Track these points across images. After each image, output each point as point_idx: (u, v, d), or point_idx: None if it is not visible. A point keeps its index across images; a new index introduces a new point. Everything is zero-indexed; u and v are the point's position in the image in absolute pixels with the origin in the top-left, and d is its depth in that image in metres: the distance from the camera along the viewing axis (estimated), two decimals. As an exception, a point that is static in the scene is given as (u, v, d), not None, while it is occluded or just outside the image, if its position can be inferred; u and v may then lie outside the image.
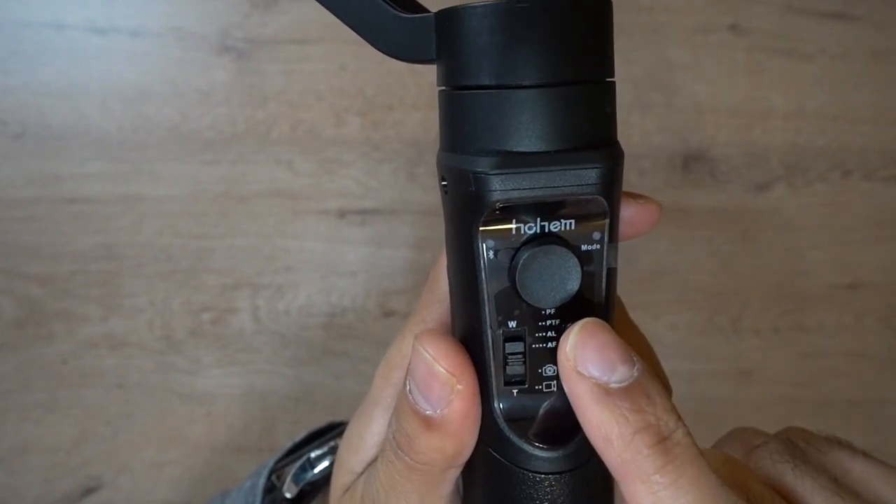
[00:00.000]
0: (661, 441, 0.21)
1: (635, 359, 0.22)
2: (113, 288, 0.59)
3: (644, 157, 0.61)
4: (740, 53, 0.60)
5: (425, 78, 0.58)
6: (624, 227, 0.25)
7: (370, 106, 0.59)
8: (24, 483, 0.59)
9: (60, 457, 0.60)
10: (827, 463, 0.25)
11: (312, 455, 0.35)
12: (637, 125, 0.61)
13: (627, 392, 0.22)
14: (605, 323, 0.23)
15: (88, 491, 0.60)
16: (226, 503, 0.38)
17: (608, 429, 0.22)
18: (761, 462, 0.25)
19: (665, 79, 0.60)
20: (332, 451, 0.35)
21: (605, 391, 0.22)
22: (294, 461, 0.35)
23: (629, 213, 0.26)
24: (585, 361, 0.22)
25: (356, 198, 0.60)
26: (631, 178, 0.61)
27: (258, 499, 0.35)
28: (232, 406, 0.61)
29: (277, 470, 0.36)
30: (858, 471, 0.25)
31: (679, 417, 0.22)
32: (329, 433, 0.37)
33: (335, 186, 0.59)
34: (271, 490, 0.35)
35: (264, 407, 0.61)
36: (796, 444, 0.26)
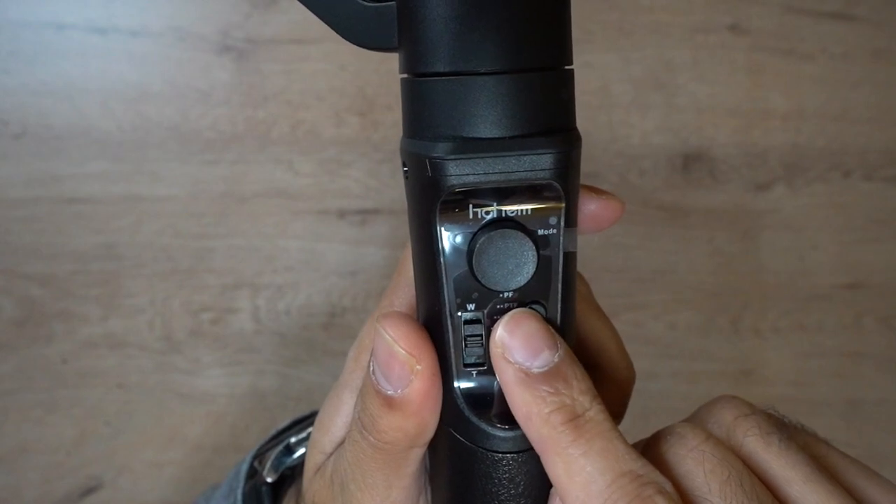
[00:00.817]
0: (575, 418, 0.23)
1: (559, 345, 0.24)
2: (113, 288, 0.59)
3: (644, 157, 0.61)
4: (740, 53, 0.60)
5: (425, 78, 0.59)
6: (587, 222, 0.26)
7: (370, 106, 0.59)
8: (23, 483, 0.59)
9: (60, 457, 0.60)
10: (808, 443, 0.26)
11: (292, 440, 0.35)
12: (637, 125, 0.61)
13: (546, 376, 0.24)
14: (532, 312, 0.24)
15: (88, 491, 0.60)
16: (214, 494, 0.38)
17: (529, 408, 0.23)
18: (750, 430, 0.25)
19: (665, 79, 0.60)
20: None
21: (527, 375, 0.23)
22: (275, 446, 0.36)
23: (591, 207, 0.26)
24: (511, 349, 0.24)
25: (356, 198, 0.60)
26: (631, 178, 0.61)
27: (241, 483, 0.35)
28: (232, 406, 0.61)
29: (260, 455, 0.36)
30: (834, 457, 0.26)
31: (595, 397, 0.24)
32: (310, 419, 0.37)
33: (335, 186, 0.59)
34: (254, 475, 0.36)
35: (264, 407, 0.61)
36: (782, 419, 0.27)
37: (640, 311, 0.61)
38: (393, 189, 0.60)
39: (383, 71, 0.58)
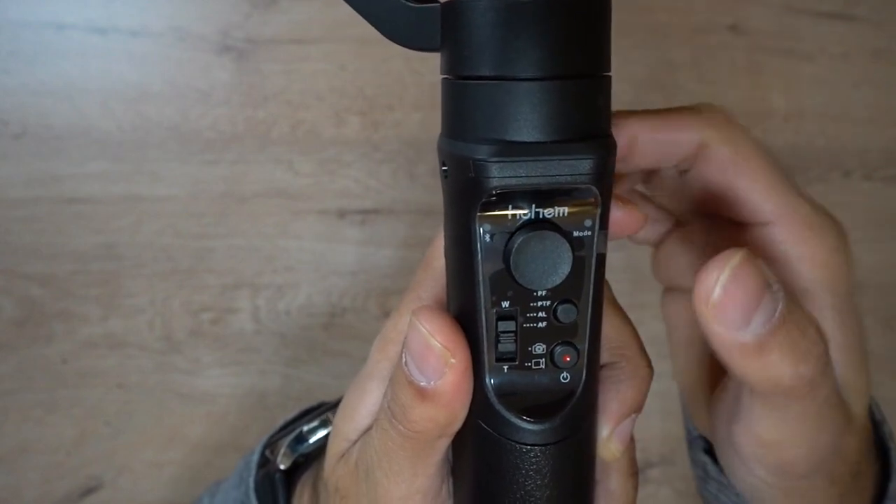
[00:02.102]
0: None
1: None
2: (113, 288, 0.59)
3: (644, 157, 0.61)
4: (740, 54, 0.61)
5: (425, 78, 0.58)
6: (611, 227, 0.26)
7: (370, 106, 0.59)
8: (23, 483, 0.59)
9: (60, 457, 0.60)
10: None
11: (305, 428, 0.36)
12: (637, 125, 0.61)
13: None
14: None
15: (88, 491, 0.60)
16: (221, 486, 0.39)
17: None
18: None
19: (665, 79, 0.60)
20: (324, 424, 0.36)
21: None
22: (286, 435, 0.37)
23: (617, 214, 0.27)
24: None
25: (356, 198, 0.60)
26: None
27: (252, 472, 0.36)
28: (232, 406, 0.61)
29: (271, 445, 0.37)
30: None
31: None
32: (319, 409, 0.38)
33: (335, 186, 0.59)
34: (265, 464, 0.36)
35: (264, 407, 0.61)
36: None
37: (640, 311, 0.61)
38: (393, 189, 0.60)
39: (383, 71, 0.58)
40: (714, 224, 0.31)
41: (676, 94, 0.60)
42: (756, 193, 0.28)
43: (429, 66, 0.57)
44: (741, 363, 0.24)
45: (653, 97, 0.60)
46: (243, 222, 0.59)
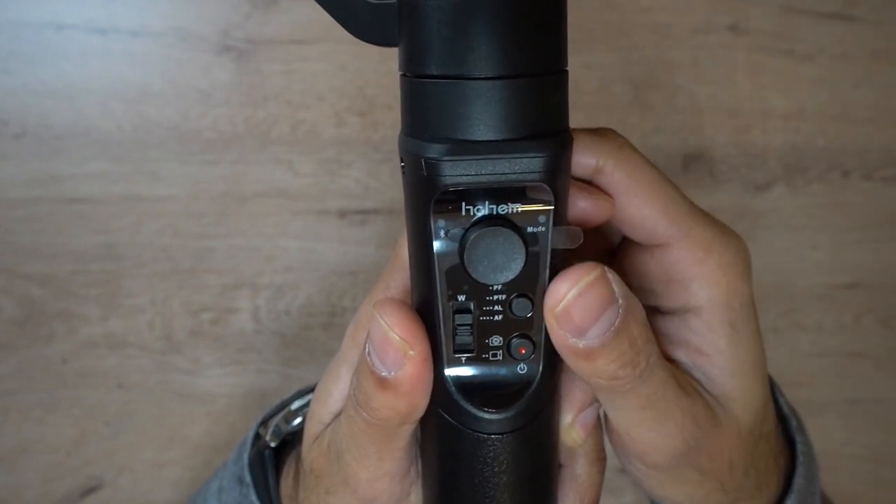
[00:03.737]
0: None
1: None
2: (113, 288, 0.59)
3: (644, 157, 0.61)
4: (740, 54, 0.61)
5: (425, 78, 0.59)
6: (577, 218, 0.28)
7: (370, 106, 0.59)
8: (23, 483, 0.59)
9: (60, 457, 0.60)
10: None
11: (293, 407, 0.38)
12: (637, 125, 0.61)
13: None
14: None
15: (88, 491, 0.60)
16: (225, 463, 0.41)
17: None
18: None
19: (665, 79, 0.60)
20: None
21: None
22: (277, 413, 0.39)
23: (582, 205, 0.27)
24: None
25: (356, 198, 0.60)
26: (631, 179, 0.61)
27: (247, 447, 0.37)
28: (232, 406, 0.61)
29: (265, 422, 0.39)
30: None
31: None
32: (314, 389, 0.40)
33: (335, 187, 0.59)
34: (258, 441, 0.38)
35: (264, 407, 0.61)
36: None
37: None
38: (393, 189, 0.60)
39: (383, 71, 0.58)
40: (623, 244, 0.32)
41: (676, 95, 0.60)
42: (649, 217, 0.28)
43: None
44: (572, 361, 0.26)
45: (652, 97, 0.60)
46: (243, 222, 0.59)
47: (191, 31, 0.57)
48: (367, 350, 0.27)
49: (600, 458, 0.30)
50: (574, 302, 0.25)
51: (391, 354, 0.26)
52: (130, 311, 0.59)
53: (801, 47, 0.61)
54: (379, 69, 0.58)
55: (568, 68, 0.25)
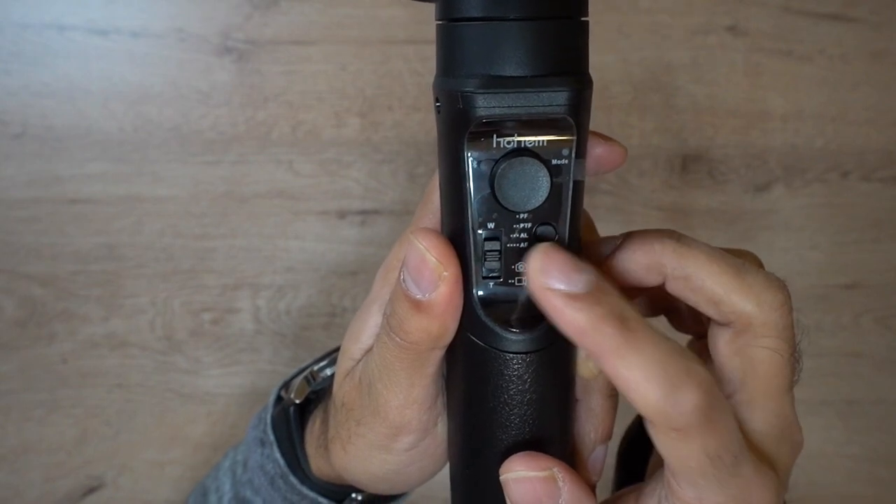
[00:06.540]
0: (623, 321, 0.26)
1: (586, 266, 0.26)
2: (114, 288, 0.59)
3: (643, 157, 0.61)
4: (739, 54, 0.61)
5: (425, 79, 0.59)
6: (593, 164, 0.29)
7: (370, 107, 0.59)
8: (25, 482, 0.59)
9: (61, 456, 0.60)
10: None
11: (316, 367, 0.40)
12: (636, 126, 0.61)
13: (592, 293, 0.26)
14: (553, 244, 0.27)
15: (89, 490, 0.60)
16: (235, 445, 0.42)
17: (582, 325, 0.26)
18: None
19: (664, 79, 0.61)
20: (332, 363, 0.39)
21: (573, 298, 0.25)
22: (299, 375, 0.40)
23: (598, 150, 0.29)
24: (551, 279, 0.26)
25: (356, 198, 0.60)
26: (630, 179, 0.61)
27: (269, 408, 0.39)
28: (232, 406, 0.61)
29: (286, 385, 0.40)
30: None
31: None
32: (332, 354, 0.41)
33: (335, 187, 0.60)
34: (280, 403, 0.40)
35: (264, 407, 0.61)
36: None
37: (639, 312, 0.61)
38: (393, 189, 0.60)
39: (383, 72, 0.58)
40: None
41: (676, 95, 0.61)
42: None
43: (428, 67, 0.57)
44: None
45: (652, 98, 0.60)
46: (244, 223, 0.59)
47: (191, 32, 0.57)
48: (401, 277, 0.28)
49: (614, 394, 0.31)
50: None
51: (426, 276, 0.27)
52: (131, 312, 0.59)
53: (801, 48, 0.61)
54: (379, 70, 0.58)
55: (588, 20, 0.27)
